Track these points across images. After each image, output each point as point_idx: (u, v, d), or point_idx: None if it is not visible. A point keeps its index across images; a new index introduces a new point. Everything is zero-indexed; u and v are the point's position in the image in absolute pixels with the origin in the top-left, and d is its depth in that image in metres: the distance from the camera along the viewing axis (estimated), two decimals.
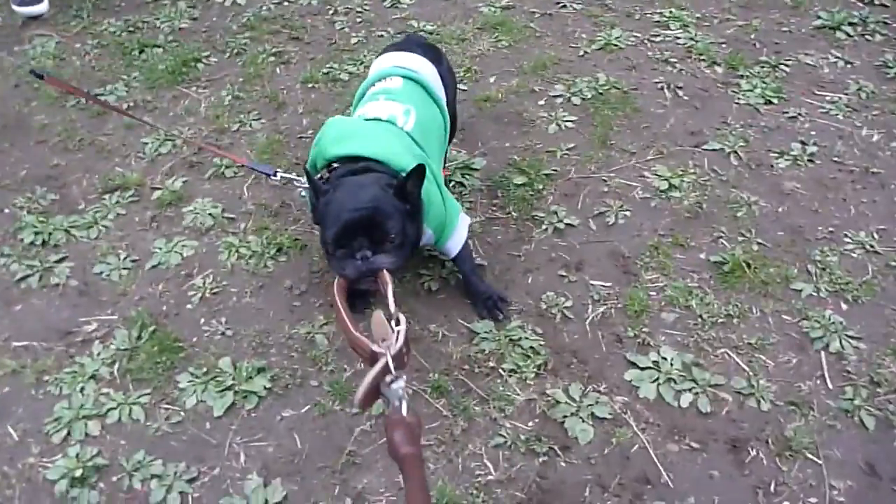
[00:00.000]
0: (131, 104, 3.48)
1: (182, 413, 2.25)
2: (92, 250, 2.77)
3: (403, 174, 2.11)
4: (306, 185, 2.23)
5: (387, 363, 1.50)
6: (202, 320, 2.51)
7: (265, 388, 2.29)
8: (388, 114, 2.36)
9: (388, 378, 1.50)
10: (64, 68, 3.73)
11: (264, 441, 2.18)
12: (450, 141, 2.81)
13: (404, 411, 1.45)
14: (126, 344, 2.42)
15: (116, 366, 2.37)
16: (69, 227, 2.85)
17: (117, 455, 2.15)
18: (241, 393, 2.27)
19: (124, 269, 2.69)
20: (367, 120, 2.36)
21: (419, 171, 2.07)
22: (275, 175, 2.49)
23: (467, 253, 2.51)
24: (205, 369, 2.34)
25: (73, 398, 2.28)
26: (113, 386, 2.32)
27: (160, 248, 2.76)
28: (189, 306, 2.56)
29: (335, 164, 2.22)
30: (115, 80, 3.64)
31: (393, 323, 1.61)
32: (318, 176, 2.21)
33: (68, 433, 2.20)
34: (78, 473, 2.08)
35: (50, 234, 2.81)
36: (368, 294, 2.48)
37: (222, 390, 2.28)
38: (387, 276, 1.95)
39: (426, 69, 2.61)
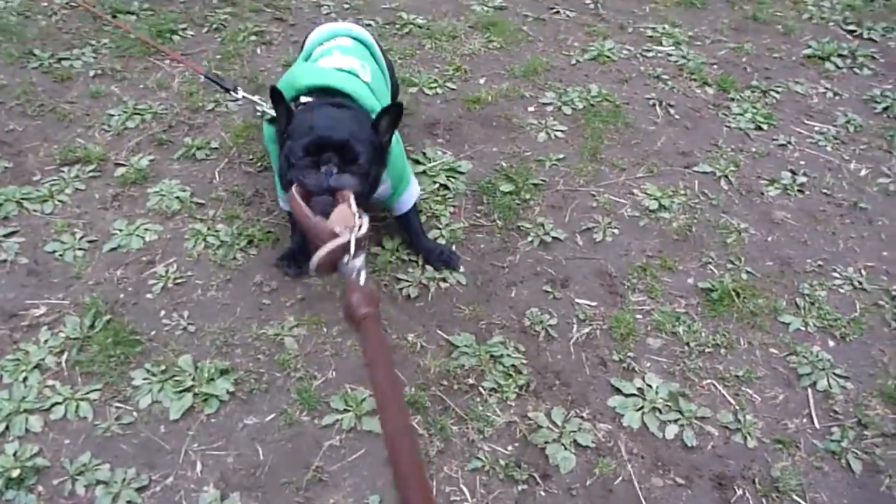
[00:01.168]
0: (98, 72, 3.27)
1: (135, 413, 2.07)
2: (45, 226, 2.56)
3: (372, 114, 2.17)
4: (270, 109, 2.21)
5: (348, 241, 1.57)
6: (162, 312, 2.33)
7: (228, 391, 2.12)
8: (349, 65, 2.38)
9: (345, 258, 1.56)
10: (28, 27, 3.49)
11: (223, 450, 2.01)
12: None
13: (362, 282, 1.50)
14: (77, 332, 2.22)
15: (65, 356, 2.17)
16: (22, 198, 2.64)
17: (60, 455, 1.96)
18: (201, 395, 2.10)
19: (80, 249, 2.49)
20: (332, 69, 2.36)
21: (397, 109, 2.12)
22: (235, 91, 2.44)
23: (416, 211, 2.54)
24: (163, 367, 2.16)
25: (14, 389, 2.08)
26: (60, 378, 2.13)
27: (120, 230, 2.56)
28: (149, 296, 2.37)
29: (304, 99, 2.21)
30: (82, 45, 3.42)
31: (356, 217, 1.69)
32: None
33: (7, 427, 2.00)
34: (15, 473, 1.89)
35: (0, 204, 2.59)
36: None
37: (181, 391, 2.10)
38: (348, 193, 1.91)
39: (368, 35, 2.66)
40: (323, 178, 1.98)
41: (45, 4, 3.67)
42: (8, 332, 2.23)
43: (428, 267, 2.51)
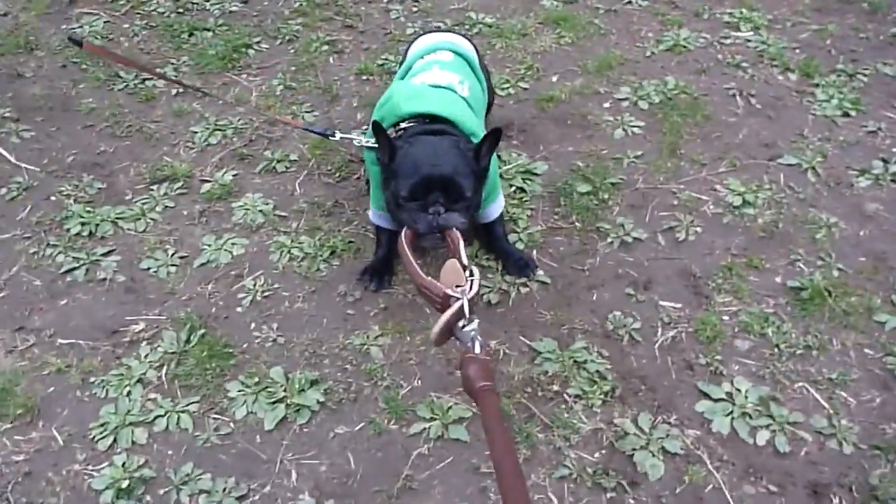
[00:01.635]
0: (180, 90, 3.38)
1: (232, 424, 2.15)
2: (139, 244, 2.68)
3: (472, 137, 2.23)
4: (369, 143, 2.28)
5: (461, 306, 1.61)
6: (253, 325, 2.41)
7: (318, 401, 2.18)
8: (447, 81, 2.43)
9: (461, 322, 1.60)
10: (112, 49, 3.63)
11: (316, 459, 2.08)
12: (487, 113, 2.85)
13: (477, 350, 1.53)
14: (174, 347, 2.32)
15: (164, 370, 2.28)
16: (116, 217, 2.77)
17: (164, 466, 2.06)
18: (293, 406, 2.17)
19: (172, 265, 2.60)
20: (430, 86, 2.41)
21: (495, 136, 2.15)
22: (333, 135, 2.50)
23: (501, 219, 2.56)
24: (256, 379, 2.24)
25: (119, 402, 2.19)
26: (161, 391, 2.23)
27: (209, 245, 2.66)
28: (239, 309, 2.46)
29: (404, 125, 2.27)
30: (163, 64, 3.54)
31: (466, 273, 1.73)
32: (389, 133, 2.23)
33: (114, 440, 2.11)
34: (124, 484, 1.99)
35: (97, 224, 2.73)
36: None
37: (274, 402, 2.18)
38: (456, 233, 2.00)
39: (469, 47, 2.71)
40: (431, 219, 2.08)
41: (127, 26, 3.82)
42: (111, 347, 2.35)
43: (507, 276, 2.52)
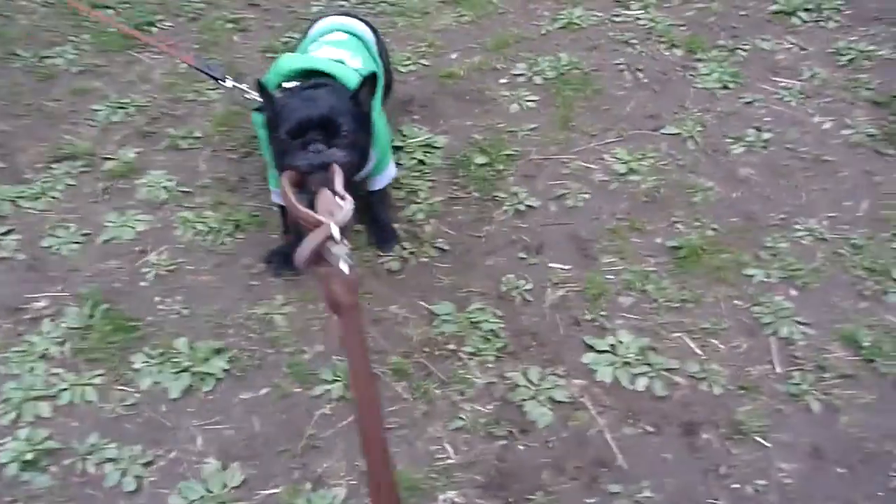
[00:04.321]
0: (81, 69, 3.35)
1: (137, 395, 2.21)
2: (40, 222, 2.68)
3: (335, 77, 2.30)
4: (257, 98, 2.26)
5: (330, 227, 1.59)
6: (157, 298, 2.46)
7: (223, 369, 2.26)
8: (338, 56, 2.48)
9: (329, 244, 1.57)
10: (8, 27, 3.57)
11: (222, 424, 2.16)
12: (385, 98, 2.81)
13: (345, 270, 1.52)
14: (78, 322, 2.36)
15: (68, 345, 2.31)
16: (16, 196, 2.76)
17: (70, 438, 2.10)
18: (198, 374, 2.24)
19: (75, 243, 2.62)
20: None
21: (371, 80, 2.21)
22: (224, 80, 2.47)
23: (388, 192, 2.67)
24: (160, 350, 2.30)
25: (22, 378, 2.22)
26: (64, 366, 2.26)
27: (112, 222, 2.68)
28: (143, 283, 2.50)
29: (287, 84, 2.30)
30: (63, 42, 3.50)
31: (339, 199, 1.74)
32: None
33: (18, 415, 2.14)
34: (29, 456, 2.03)
35: None
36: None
37: (178, 372, 2.24)
38: (335, 166, 2.01)
39: (364, 28, 2.74)
40: (311, 156, 2.08)
41: (24, 3, 3.75)
42: (12, 325, 2.36)
43: (408, 243, 2.63)
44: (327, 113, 2.13)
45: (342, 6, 3.78)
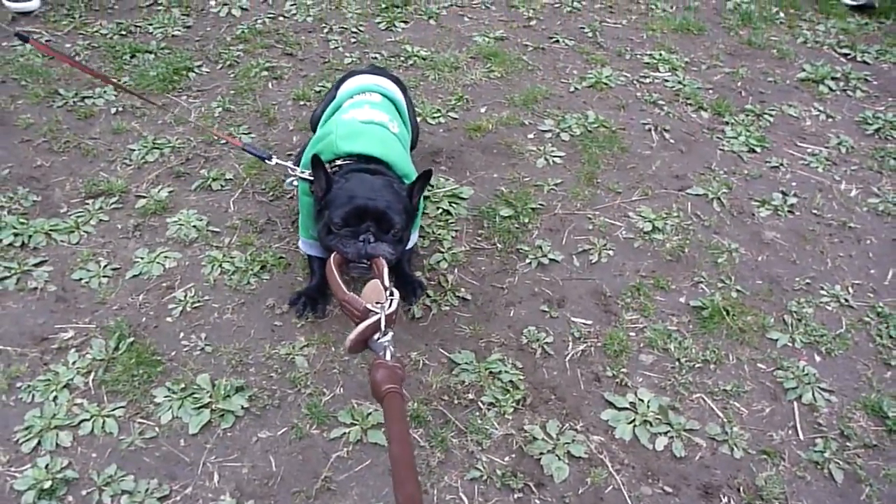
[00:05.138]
0: (119, 109, 3.45)
1: (157, 428, 2.22)
2: (72, 256, 2.73)
3: (404, 179, 2.38)
4: (302, 175, 2.39)
5: (378, 319, 1.76)
6: (181, 334, 2.48)
7: (242, 407, 2.27)
8: (379, 119, 2.54)
9: (376, 335, 1.75)
10: (53, 67, 3.69)
11: (239, 462, 2.16)
12: (412, 148, 2.93)
13: (388, 358, 1.67)
14: (103, 354, 2.38)
15: (91, 376, 2.33)
16: (50, 230, 2.81)
17: (88, 468, 2.11)
18: (217, 411, 2.25)
19: (104, 276, 2.66)
20: (363, 122, 2.52)
21: (426, 177, 2.30)
22: (270, 160, 2.57)
23: (411, 251, 2.71)
24: (182, 385, 2.31)
25: (45, 407, 2.24)
26: (87, 397, 2.28)
27: (142, 258, 2.73)
28: (169, 319, 2.53)
29: (339, 162, 2.38)
30: (104, 84, 3.61)
31: (387, 293, 1.86)
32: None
33: (39, 443, 2.15)
34: (47, 485, 2.04)
35: (30, 236, 2.77)
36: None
37: (199, 407, 2.25)
38: (381, 261, 2.12)
39: (395, 89, 2.83)
40: (361, 246, 2.17)
41: (69, 46, 3.88)
42: (39, 354, 2.39)
43: (431, 291, 2.66)
44: (383, 208, 2.20)
45: (374, 59, 3.88)
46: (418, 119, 3.47)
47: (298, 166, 2.51)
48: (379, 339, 1.77)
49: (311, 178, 2.36)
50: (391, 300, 1.84)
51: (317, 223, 2.34)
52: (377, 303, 1.84)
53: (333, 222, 2.21)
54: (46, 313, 2.53)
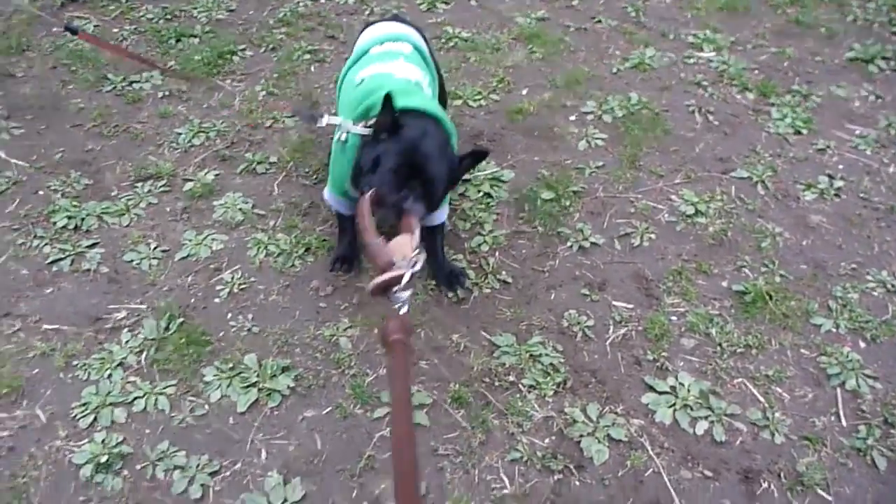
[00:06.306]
0: (166, 93, 3.53)
1: (206, 406, 2.29)
2: (123, 238, 2.81)
3: (451, 138, 2.31)
4: (357, 128, 2.29)
5: (401, 275, 1.73)
6: (229, 315, 2.55)
7: (289, 387, 2.33)
8: (415, 77, 2.49)
9: (395, 288, 1.73)
10: (101, 54, 3.77)
11: (285, 440, 2.22)
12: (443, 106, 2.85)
13: (403, 311, 1.70)
14: (154, 334, 2.46)
15: (144, 355, 2.41)
16: (102, 212, 2.90)
17: (142, 443, 2.19)
18: (265, 390, 2.31)
19: (154, 258, 2.74)
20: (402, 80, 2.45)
21: (480, 156, 2.31)
22: (322, 118, 2.48)
23: (444, 228, 2.67)
24: (230, 364, 2.38)
25: (100, 384, 2.32)
26: (140, 375, 2.36)
27: (190, 240, 2.80)
28: (217, 300, 2.60)
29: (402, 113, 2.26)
30: (150, 68, 3.68)
31: (416, 251, 1.84)
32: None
33: (95, 419, 2.24)
34: (103, 459, 2.12)
35: (83, 219, 2.86)
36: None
37: (247, 386, 2.32)
38: (414, 219, 2.07)
39: (420, 39, 2.77)
40: (402, 198, 2.12)
41: (116, 31, 3.96)
42: (93, 333, 2.48)
43: (471, 272, 2.68)
44: (434, 174, 2.18)
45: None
46: (459, 101, 3.48)
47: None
48: (397, 292, 1.75)
49: (364, 132, 2.28)
50: (418, 258, 1.82)
51: (363, 157, 2.23)
52: (405, 259, 1.80)
53: (386, 160, 2.15)
54: (100, 294, 2.62)
